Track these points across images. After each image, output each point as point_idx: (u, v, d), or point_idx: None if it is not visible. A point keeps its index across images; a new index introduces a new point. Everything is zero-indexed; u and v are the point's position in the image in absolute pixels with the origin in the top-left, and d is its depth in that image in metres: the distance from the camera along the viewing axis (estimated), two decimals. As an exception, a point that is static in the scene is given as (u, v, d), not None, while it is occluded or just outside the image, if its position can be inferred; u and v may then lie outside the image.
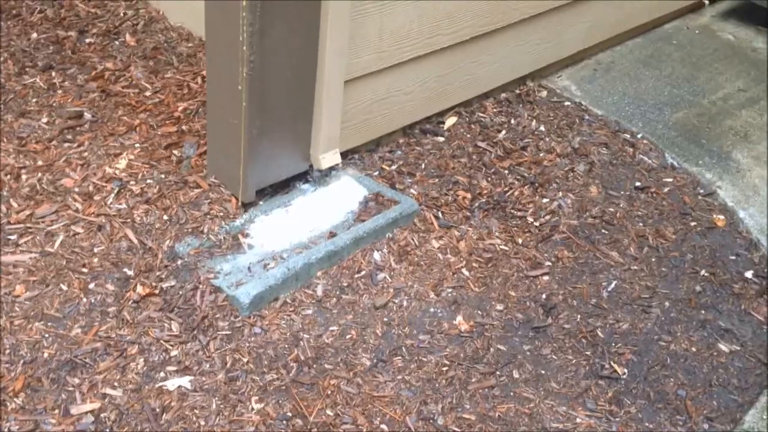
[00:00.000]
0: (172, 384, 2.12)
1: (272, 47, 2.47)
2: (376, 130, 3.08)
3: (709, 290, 2.78)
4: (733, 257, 2.92)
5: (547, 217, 2.97)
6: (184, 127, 2.93)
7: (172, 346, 2.21)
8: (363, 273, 2.60)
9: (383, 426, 2.18)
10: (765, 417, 2.35)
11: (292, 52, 2.54)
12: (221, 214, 2.60)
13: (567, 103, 3.65)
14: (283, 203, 2.73)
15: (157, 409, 2.06)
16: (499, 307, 2.60)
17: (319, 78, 2.67)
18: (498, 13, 3.22)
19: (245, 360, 2.24)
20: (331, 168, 2.88)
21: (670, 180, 3.27)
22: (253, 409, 2.13)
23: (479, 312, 2.57)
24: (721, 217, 3.10)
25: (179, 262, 2.43)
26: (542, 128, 3.44)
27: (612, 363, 2.47)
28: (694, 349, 2.55)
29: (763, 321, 2.68)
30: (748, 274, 2.85)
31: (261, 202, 2.71)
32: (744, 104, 3.80)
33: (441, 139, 3.25)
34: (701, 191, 3.23)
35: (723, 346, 2.57)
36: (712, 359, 2.53)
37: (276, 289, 2.42)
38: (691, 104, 3.77)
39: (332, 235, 2.65)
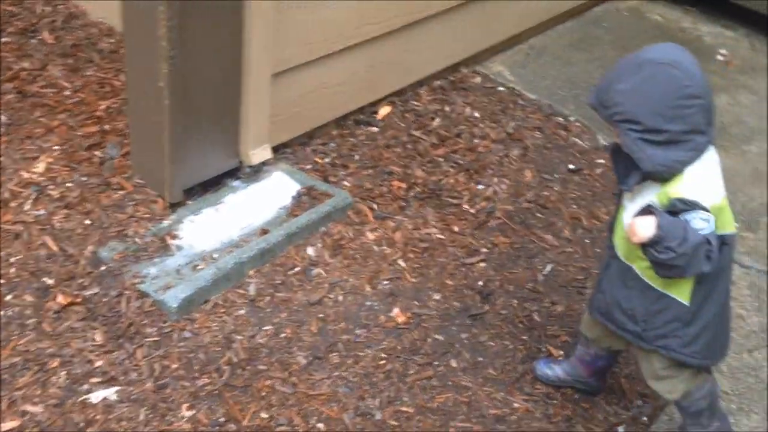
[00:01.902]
0: (96, 396, 2.04)
1: (193, 42, 2.40)
2: (307, 123, 3.03)
3: (643, 269, 2.81)
4: (665, 235, 2.96)
5: (483, 204, 2.97)
6: (106, 127, 2.83)
7: (96, 356, 2.14)
8: (297, 269, 2.56)
9: (320, 425, 2.14)
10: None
11: (216, 46, 2.48)
12: (147, 215, 2.52)
13: (501, 89, 3.65)
14: (213, 202, 2.66)
15: (81, 424, 1.98)
16: (436, 296, 2.59)
17: (246, 72, 2.61)
18: (427, 0, 3.19)
19: (175, 366, 2.18)
20: (263, 163, 2.82)
21: (602, 161, 3.30)
22: (183, 417, 2.07)
23: (416, 303, 2.55)
24: (653, 196, 3.14)
25: (103, 268, 2.35)
26: (476, 114, 3.43)
27: (548, 346, 2.49)
28: (628, 329, 2.58)
29: (695, 297, 2.72)
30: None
31: (189, 202, 2.64)
32: (673, 83, 3.86)
33: (375, 129, 3.22)
34: (633, 171, 3.26)
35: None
36: (646, 337, 2.56)
37: (206, 291, 2.36)
38: (622, 85, 3.81)
39: (264, 232, 2.59)
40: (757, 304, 2.74)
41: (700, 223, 1.73)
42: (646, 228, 1.71)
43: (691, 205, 1.75)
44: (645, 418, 2.31)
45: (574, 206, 3.05)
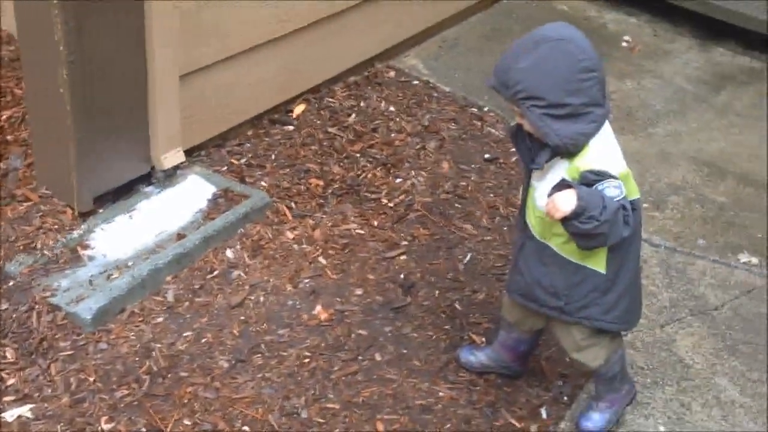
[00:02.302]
0: (10, 415, 1.97)
1: (93, 45, 2.33)
2: (221, 124, 2.99)
3: (558, 253, 2.89)
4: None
5: (402, 197, 2.99)
6: (9, 137, 2.72)
7: (8, 374, 2.06)
8: (216, 273, 2.53)
9: (245, 428, 2.12)
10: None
11: (117, 48, 2.42)
12: (56, 226, 2.44)
13: (415, 82, 3.69)
14: (125, 209, 2.60)
15: (-6, 444, 1.92)
16: (358, 291, 2.60)
17: (151, 74, 2.56)
18: (335, -3, 3.19)
19: (92, 379, 2.12)
20: (176, 167, 2.77)
21: (518, 150, 3.37)
22: (102, 430, 2.02)
23: (338, 299, 2.56)
24: (566, 181, 3.23)
25: (11, 282, 2.26)
26: (392, 108, 3.45)
27: (470, 334, 2.53)
28: (547, 311, 2.65)
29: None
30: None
31: (101, 210, 2.57)
32: (582, 71, 3.98)
33: (290, 127, 3.20)
34: (547, 158, 3.35)
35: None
36: (564, 319, 2.63)
37: (122, 300, 2.31)
38: (533, 74, 3.90)
39: (181, 236, 2.55)
40: (668, 281, 2.85)
41: (613, 191, 1.80)
42: (567, 202, 1.76)
43: (602, 175, 1.81)
44: (566, 398, 2.37)
45: (492, 195, 3.11)
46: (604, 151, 1.87)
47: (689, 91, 3.95)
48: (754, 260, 2.92)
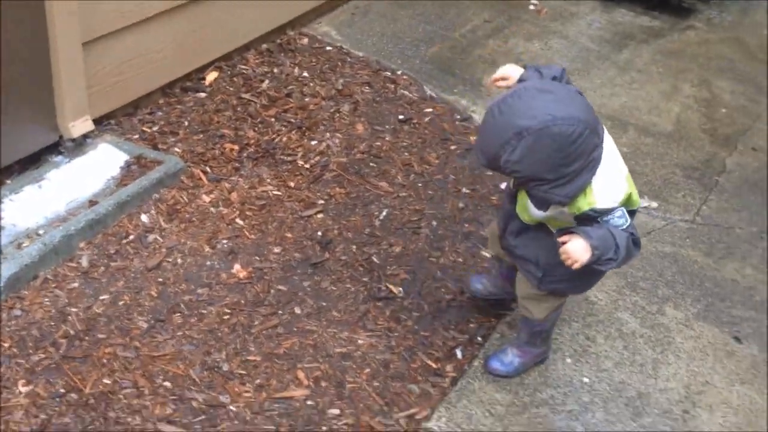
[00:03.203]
0: None
1: (-10, 12, 2.28)
2: (131, 92, 2.97)
3: (471, 205, 2.99)
4: (490, 173, 3.16)
5: (317, 158, 3.04)
6: None
7: None
8: (132, 237, 2.53)
9: (166, 383, 2.15)
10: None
11: (16, 18, 2.37)
12: (-39, 198, 2.40)
13: (328, 48, 3.72)
14: (34, 179, 2.57)
15: None
16: (277, 250, 2.64)
17: (53, 42, 2.52)
18: (242, -38, 3.19)
19: (7, 345, 2.11)
20: (85, 136, 2.75)
21: (430, 110, 3.46)
22: (20, 392, 2.01)
23: (257, 258, 2.59)
24: (477, 138, 3.34)
25: None
26: (305, 74, 3.48)
27: (388, 285, 2.61)
28: (461, 260, 2.75)
29: (519, 225, 2.94)
30: (503, 186, 3.10)
31: (9, 181, 2.53)
32: (490, 34, 4.09)
33: (203, 94, 3.20)
34: (458, 117, 3.45)
35: (486, 253, 2.79)
36: (477, 265, 2.74)
37: (33, 267, 2.29)
38: (444, 38, 3.99)
39: (93, 203, 2.54)
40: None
41: (618, 221, 1.85)
42: (581, 253, 1.83)
43: (605, 212, 1.85)
44: (480, 339, 2.48)
45: (406, 153, 3.19)
46: (604, 184, 1.85)
47: (593, 50, 4.11)
48: (654, 204, 3.10)
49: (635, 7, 4.52)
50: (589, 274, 2.01)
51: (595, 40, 4.21)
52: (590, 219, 1.87)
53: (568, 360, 2.43)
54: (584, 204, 1.86)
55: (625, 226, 1.86)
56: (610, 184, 1.87)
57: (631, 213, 1.92)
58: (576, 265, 1.85)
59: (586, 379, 2.36)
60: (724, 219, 3.03)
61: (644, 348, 2.49)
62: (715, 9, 4.58)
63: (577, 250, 1.84)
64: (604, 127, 1.91)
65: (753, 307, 2.64)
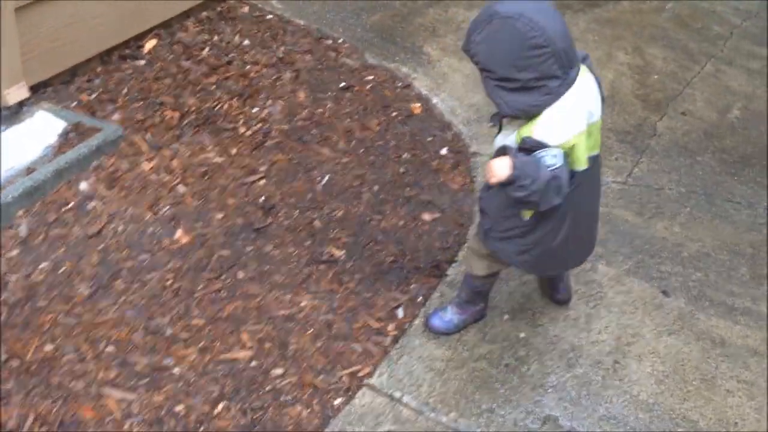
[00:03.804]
0: None
1: None
2: (67, 59, 2.92)
3: (412, 170, 3.05)
4: (430, 138, 3.22)
5: (259, 126, 3.05)
6: None
7: None
8: (71, 205, 2.51)
9: (109, 348, 2.17)
10: (463, 269, 2.65)
11: (-58, -22, 2.31)
12: None
13: (270, 17, 3.70)
14: (-33, 147, 2.52)
15: None
16: (219, 215, 2.66)
17: (-17, 6, 2.46)
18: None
19: (-57, 313, 2.10)
20: (21, 104, 2.70)
21: (372, 77, 3.49)
22: (-41, 360, 2.01)
23: (200, 223, 2.61)
24: (418, 104, 3.39)
25: None
26: (246, 42, 3.47)
27: (330, 248, 2.65)
28: (401, 223, 2.81)
29: (458, 189, 3.01)
30: (443, 151, 3.17)
31: (-59, 150, 2.48)
32: (431, 3, 4.11)
33: (142, 62, 3.17)
34: (399, 84, 3.49)
35: (426, 216, 2.85)
36: (417, 228, 2.80)
37: (-30, 236, 2.26)
38: (385, 7, 4.00)
39: (30, 171, 2.51)
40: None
41: (550, 159, 1.87)
42: (502, 169, 1.88)
43: (540, 144, 1.88)
44: (420, 298, 2.55)
45: (348, 120, 3.22)
46: (553, 119, 1.90)
47: (532, 19, 4.18)
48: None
49: (573, -23, 4.60)
50: (531, 236, 2.08)
51: (534, 8, 4.28)
52: (527, 151, 1.91)
53: (506, 317, 2.52)
54: (525, 131, 1.92)
55: (554, 167, 1.87)
56: (557, 123, 1.91)
57: (572, 174, 1.96)
58: (493, 180, 1.91)
59: (522, 335, 2.46)
60: (654, 180, 3.16)
61: (578, 303, 2.59)
62: (649, -21, 4.70)
63: (500, 166, 1.89)
64: (597, 94, 1.99)
65: (680, 263, 2.77)
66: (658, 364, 2.40)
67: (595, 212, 2.23)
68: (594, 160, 2.06)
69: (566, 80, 1.91)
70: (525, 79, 1.86)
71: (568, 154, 1.94)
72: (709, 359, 2.42)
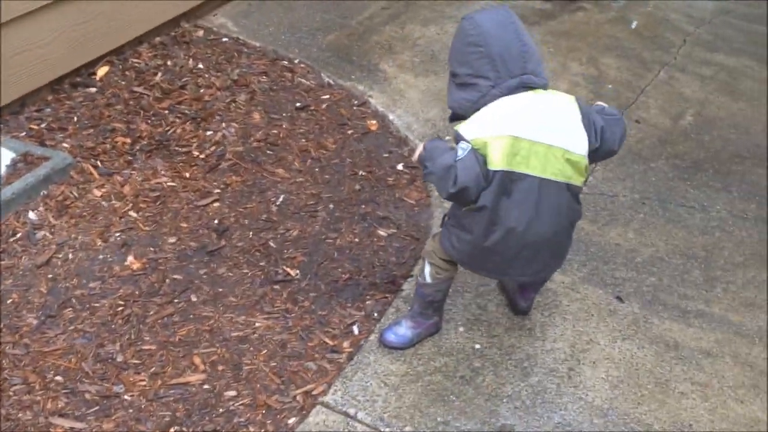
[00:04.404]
0: None
1: None
2: (15, 88, 2.91)
3: (368, 187, 3.06)
4: (386, 154, 3.24)
5: (213, 148, 3.05)
6: None
7: None
8: (19, 235, 2.49)
9: (58, 377, 2.14)
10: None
11: None
12: None
13: (225, 40, 3.73)
14: None
15: None
16: (172, 240, 2.65)
17: (-75, 39, 2.46)
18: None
19: None
20: (-32, 135, 2.69)
21: (328, 96, 3.51)
22: None
23: (151, 249, 2.59)
24: (374, 121, 3.41)
25: None
26: (200, 66, 3.48)
27: (285, 268, 2.65)
28: (357, 240, 2.81)
29: (414, 204, 3.02)
30: (400, 167, 3.18)
31: None
32: (387, 21, 4.16)
33: (93, 90, 3.17)
34: (355, 102, 3.51)
35: (382, 232, 2.86)
36: (373, 244, 2.81)
37: None
38: (341, 26, 4.04)
39: (-23, 203, 2.49)
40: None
41: (459, 151, 2.02)
42: (418, 149, 2.11)
43: (460, 137, 2.04)
44: (376, 314, 2.55)
45: (303, 140, 3.23)
46: (480, 118, 2.03)
47: (487, 33, 4.23)
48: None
49: (528, -9, 4.67)
50: (463, 230, 2.15)
51: (490, 23, 4.33)
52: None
53: (461, 329, 2.52)
54: (456, 124, 2.09)
55: (456, 158, 2.00)
56: (476, 121, 2.04)
57: (494, 174, 2.02)
58: (413, 158, 2.20)
59: (477, 346, 2.46)
60: (609, 188, 3.19)
61: (533, 312, 2.60)
62: (603, -10, 4.78)
63: (420, 145, 2.12)
64: (570, 123, 2.07)
65: (634, 268, 2.79)
66: (613, 370, 2.41)
67: (545, 236, 2.14)
68: (551, 186, 2.07)
69: (500, 85, 2.02)
70: (463, 74, 2.05)
71: (483, 152, 2.03)
72: (662, 363, 2.43)
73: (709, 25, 4.56)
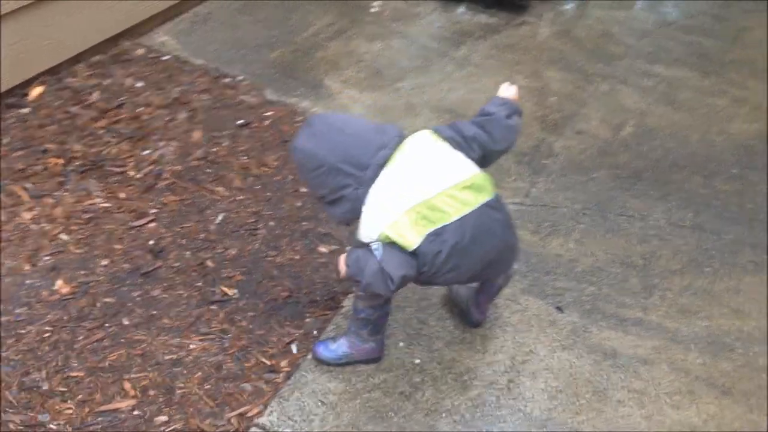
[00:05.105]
0: None
1: None
2: (-58, 111, 2.84)
3: (309, 204, 3.02)
4: (328, 170, 3.21)
5: (150, 168, 3.00)
6: None
7: None
8: (-58, 262, 2.41)
9: (-21, 408, 2.07)
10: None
11: None
12: None
13: (166, 57, 3.68)
14: None
15: None
16: (104, 262, 2.58)
17: None
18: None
19: None
20: None
21: (271, 113, 3.48)
22: None
23: (82, 272, 2.53)
24: (316, 137, 3.38)
25: None
26: (140, 84, 3.43)
27: (222, 287, 2.60)
28: (298, 257, 2.78)
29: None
30: (341, 182, 3.16)
31: None
32: (333, 37, 4.15)
33: (26, 110, 3.10)
34: (299, 119, 3.48)
35: (323, 248, 2.83)
36: (314, 261, 2.77)
37: None
38: (286, 43, 4.02)
39: None
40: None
41: (375, 252, 2.02)
42: (340, 265, 2.12)
43: (364, 243, 2.05)
44: (315, 332, 2.51)
45: (244, 157, 3.19)
46: (366, 221, 2.05)
47: (433, 48, 4.25)
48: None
49: (474, 7, 4.70)
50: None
51: (435, 38, 4.35)
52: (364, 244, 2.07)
53: (401, 344, 2.49)
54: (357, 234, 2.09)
55: (378, 259, 2.01)
56: (366, 223, 2.05)
57: (413, 253, 2.02)
58: (340, 275, 2.14)
59: (417, 360, 2.44)
60: (550, 199, 3.20)
61: (474, 326, 2.59)
62: (548, 6, 4.83)
63: (341, 262, 2.14)
64: (444, 159, 2.09)
65: (574, 278, 2.80)
66: (552, 380, 2.40)
67: (492, 251, 2.16)
68: (472, 216, 2.06)
69: (362, 183, 2.03)
70: (327, 194, 2.07)
71: (395, 242, 2.02)
72: (600, 371, 2.43)
73: (651, 36, 4.63)
